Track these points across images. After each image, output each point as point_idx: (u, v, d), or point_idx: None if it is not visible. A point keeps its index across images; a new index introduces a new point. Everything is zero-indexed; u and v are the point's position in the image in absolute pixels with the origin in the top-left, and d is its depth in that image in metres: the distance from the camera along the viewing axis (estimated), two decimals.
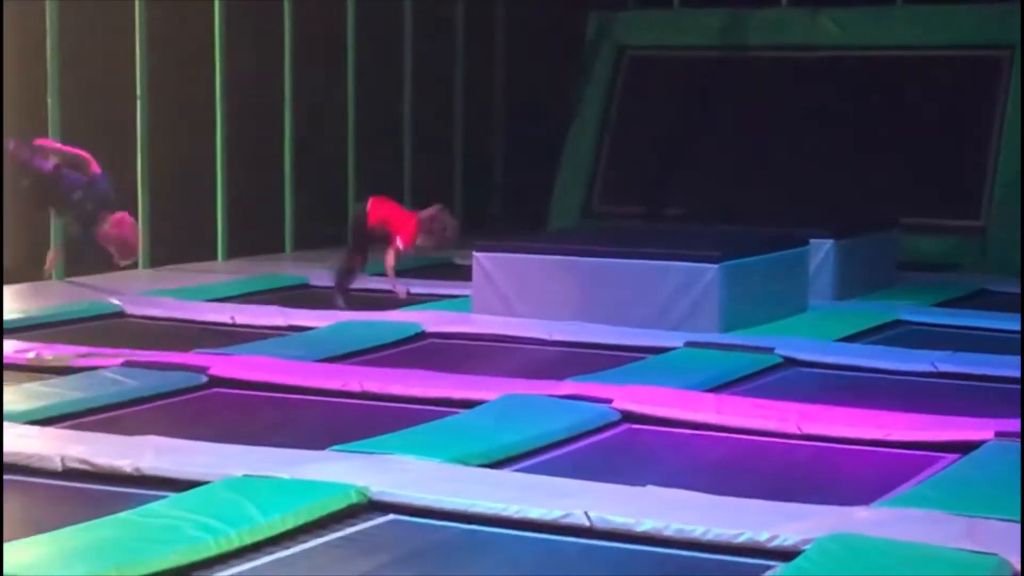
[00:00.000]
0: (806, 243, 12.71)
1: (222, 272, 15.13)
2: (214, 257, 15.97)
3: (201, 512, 6.26)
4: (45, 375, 9.57)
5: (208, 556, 5.89)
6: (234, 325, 11.71)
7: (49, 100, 14.25)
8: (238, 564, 5.91)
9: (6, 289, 13.35)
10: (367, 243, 12.74)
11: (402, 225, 12.51)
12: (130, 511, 6.38)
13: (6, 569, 5.51)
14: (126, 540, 5.94)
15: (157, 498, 6.65)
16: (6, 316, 11.68)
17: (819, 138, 17.39)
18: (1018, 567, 5.56)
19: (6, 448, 7.48)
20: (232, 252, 16.17)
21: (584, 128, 18.24)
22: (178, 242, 15.51)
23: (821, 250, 12.98)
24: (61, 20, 14.12)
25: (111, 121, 14.93)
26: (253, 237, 16.50)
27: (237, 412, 8.88)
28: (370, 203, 12.72)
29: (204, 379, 9.38)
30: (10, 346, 10.41)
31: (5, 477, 7.27)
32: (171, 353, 9.99)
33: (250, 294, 13.33)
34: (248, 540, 6.08)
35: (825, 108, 17.62)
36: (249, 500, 6.43)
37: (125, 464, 7.17)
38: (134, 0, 14.86)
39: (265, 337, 11.09)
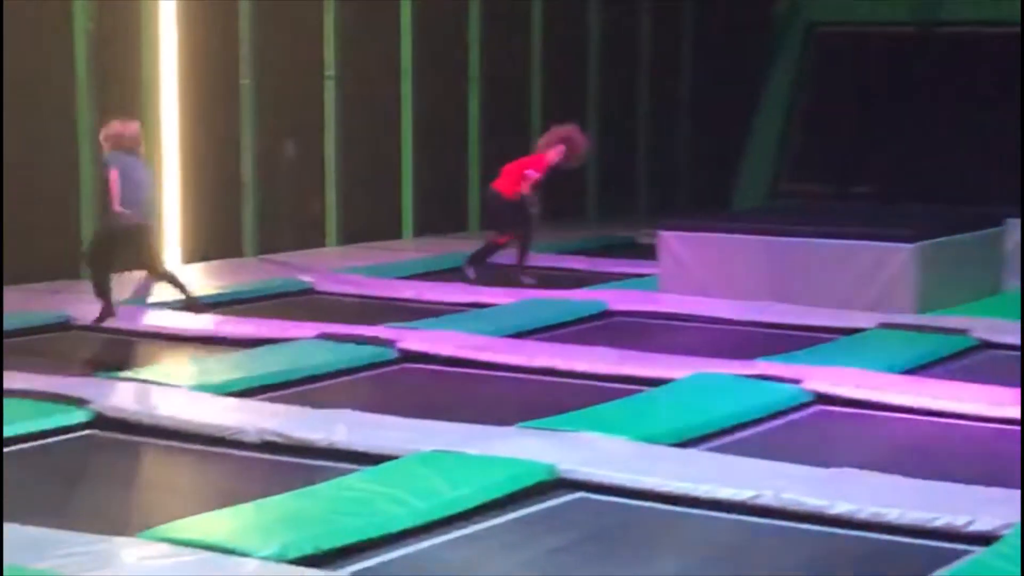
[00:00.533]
0: (1001, 223, 12.43)
1: (409, 250, 15.34)
2: (401, 235, 16.18)
3: (393, 486, 6.37)
4: (241, 347, 9.85)
5: (400, 529, 6.00)
6: (421, 301, 11.87)
7: (244, 81, 14.60)
8: (428, 538, 6.01)
9: (204, 265, 13.75)
10: (512, 218, 12.82)
11: (531, 163, 12.78)
12: (324, 483, 6.54)
13: (207, 538, 5.70)
14: (321, 512, 6.07)
15: (349, 471, 6.81)
16: (205, 291, 12.04)
17: (1014, 116, 16.96)
18: None
19: (205, 419, 7.75)
20: (419, 230, 16.37)
21: (771, 106, 18.04)
22: (367, 220, 15.75)
23: (1017, 230, 12.68)
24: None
25: (304, 101, 15.24)
26: (439, 216, 16.69)
27: (426, 386, 9.03)
28: (495, 183, 12.95)
29: (394, 353, 9.54)
30: (207, 320, 10.75)
31: (205, 448, 7.54)
32: (362, 327, 10.18)
33: (436, 272, 13.50)
34: (438, 514, 6.17)
35: (1020, 84, 17.19)
36: (439, 475, 6.53)
37: (319, 438, 7.34)
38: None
39: (451, 312, 11.23)
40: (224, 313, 11.06)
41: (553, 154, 12.72)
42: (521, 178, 12.64)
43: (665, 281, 11.94)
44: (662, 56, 19.58)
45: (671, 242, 12.00)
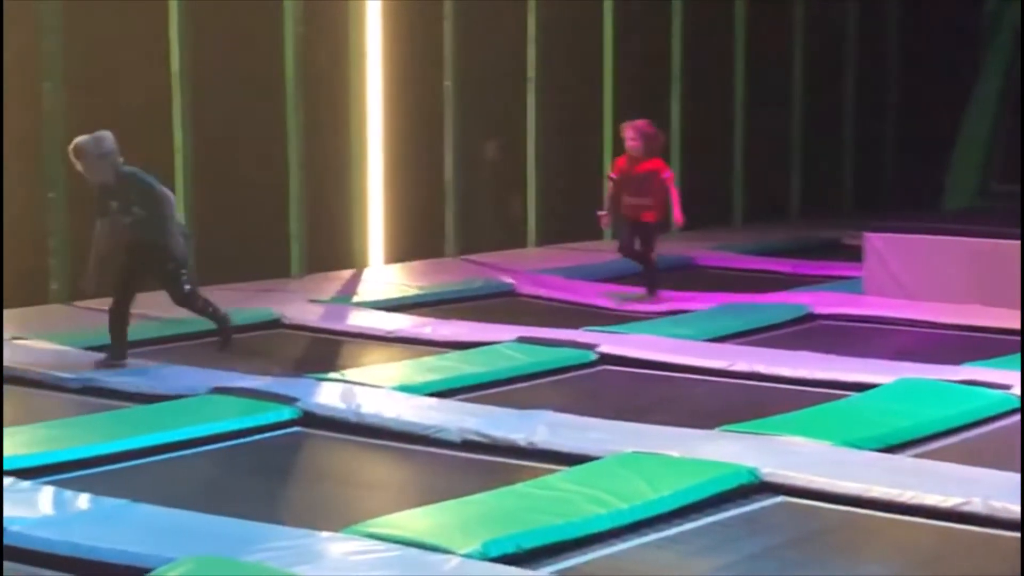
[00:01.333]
0: None
1: (609, 252, 15.33)
2: (600, 236, 16.21)
3: (593, 486, 6.40)
4: (442, 349, 9.99)
5: (600, 530, 6.03)
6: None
7: (447, 83, 14.81)
8: (628, 539, 6.03)
9: (405, 265, 13.97)
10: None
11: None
12: (524, 483, 6.61)
13: (410, 534, 5.81)
14: (522, 511, 6.13)
15: (549, 471, 6.86)
16: (406, 292, 12.29)
17: None
18: None
19: (408, 418, 7.88)
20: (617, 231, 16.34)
21: (982, 103, 17.61)
22: (566, 222, 15.82)
23: None
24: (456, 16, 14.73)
25: (505, 103, 15.39)
26: None
27: (626, 389, 9.05)
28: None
29: (594, 356, 9.58)
30: (408, 321, 10.92)
31: (407, 447, 7.67)
32: (562, 330, 10.24)
33: (635, 274, 13.48)
34: (639, 516, 6.19)
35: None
36: (640, 476, 6.55)
37: (519, 437, 7.42)
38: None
39: (652, 317, 11.22)
40: (426, 314, 11.24)
41: (637, 147, 11.85)
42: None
43: (870, 284, 11.79)
44: (869, 53, 19.30)
45: (877, 244, 11.85)
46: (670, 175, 11.86)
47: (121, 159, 8.99)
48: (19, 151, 11.58)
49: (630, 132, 11.79)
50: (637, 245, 11.91)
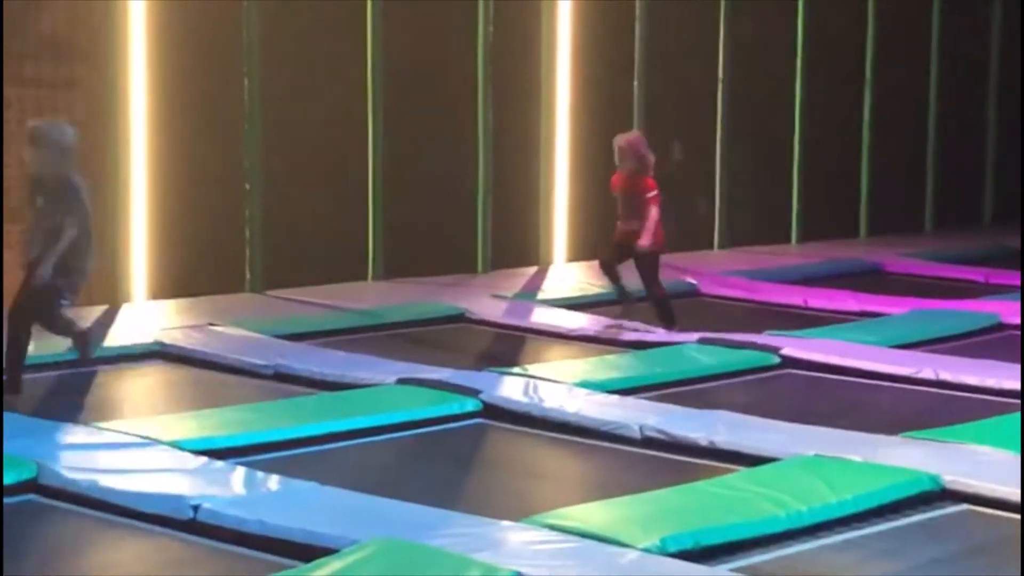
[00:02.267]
0: None
1: (795, 255, 15.26)
2: (788, 240, 16.10)
3: (773, 487, 6.42)
4: (624, 348, 10.06)
5: (779, 530, 6.05)
6: (806, 308, 11.83)
7: (636, 83, 14.88)
8: (808, 541, 6.04)
9: (589, 264, 13.98)
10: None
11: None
12: (704, 481, 6.67)
13: (588, 527, 5.88)
14: (700, 508, 6.18)
15: (728, 471, 6.90)
16: (588, 291, 12.34)
17: None
18: None
19: (588, 414, 7.95)
20: (806, 236, 16.26)
21: None
22: (753, 224, 15.76)
23: None
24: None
25: (694, 104, 15.41)
26: (826, 220, 16.52)
27: (808, 393, 9.03)
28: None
29: (777, 359, 9.56)
30: (589, 320, 11.02)
31: (586, 441, 7.75)
32: (744, 333, 10.25)
33: (821, 278, 13.41)
34: (818, 518, 6.19)
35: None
36: (820, 479, 6.55)
37: (699, 436, 7.46)
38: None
39: (837, 321, 11.15)
40: (608, 314, 11.31)
41: (626, 161, 10.70)
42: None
43: None
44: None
45: None
46: (654, 196, 10.45)
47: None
48: (219, 145, 11.94)
49: (622, 144, 10.65)
50: (626, 266, 10.65)
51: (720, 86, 15.36)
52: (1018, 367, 9.11)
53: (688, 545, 5.78)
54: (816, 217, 16.34)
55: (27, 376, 8.33)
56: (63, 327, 8.04)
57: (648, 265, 10.52)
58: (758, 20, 15.67)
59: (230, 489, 6.45)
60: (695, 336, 10.08)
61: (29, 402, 8.16)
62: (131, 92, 11.41)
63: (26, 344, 7.99)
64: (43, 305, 7.76)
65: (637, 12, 14.62)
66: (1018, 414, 8.02)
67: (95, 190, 8.74)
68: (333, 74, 12.60)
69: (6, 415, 7.47)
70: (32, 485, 6.72)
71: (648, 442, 7.57)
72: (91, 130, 10.95)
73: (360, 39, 12.67)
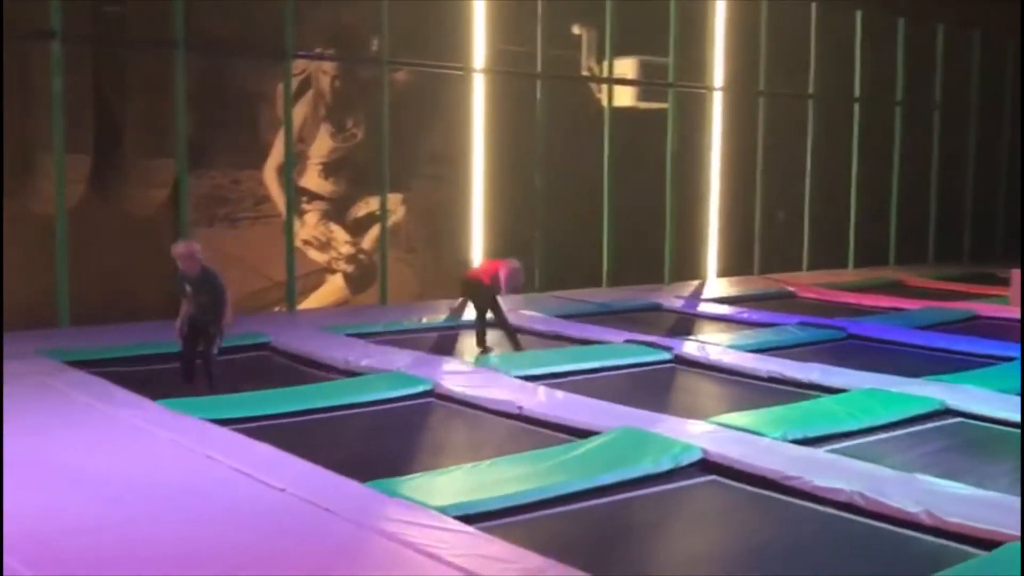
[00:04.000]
0: None
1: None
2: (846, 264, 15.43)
3: (848, 406, 6.32)
4: (754, 327, 9.72)
5: (851, 430, 5.99)
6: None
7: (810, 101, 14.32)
8: (866, 436, 5.95)
9: (737, 279, 13.58)
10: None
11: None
12: (807, 400, 6.58)
13: (741, 424, 5.87)
14: (806, 417, 6.13)
15: (817, 395, 6.77)
16: (727, 294, 11.97)
17: None
18: None
19: (739, 363, 7.79)
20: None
21: None
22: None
23: None
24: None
25: (873, 122, 14.63)
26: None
27: (872, 355, 8.45)
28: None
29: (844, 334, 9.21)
30: (732, 309, 10.69)
31: (731, 378, 7.56)
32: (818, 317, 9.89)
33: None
34: (874, 423, 6.08)
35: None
36: (875, 402, 6.39)
37: (802, 377, 7.33)
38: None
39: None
40: (748, 305, 10.97)
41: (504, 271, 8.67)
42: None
43: None
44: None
45: None
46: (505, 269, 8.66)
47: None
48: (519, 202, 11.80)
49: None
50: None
51: (898, 109, 14.19)
52: None
53: (799, 436, 5.86)
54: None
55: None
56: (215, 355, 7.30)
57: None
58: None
59: (537, 398, 6.65)
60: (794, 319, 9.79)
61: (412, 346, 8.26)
62: (472, 183, 11.56)
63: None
64: (214, 342, 7.22)
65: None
66: (1004, 364, 7.75)
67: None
68: (585, 154, 12.47)
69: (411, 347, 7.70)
70: (430, 393, 6.90)
71: (771, 379, 7.55)
72: (455, 205, 11.17)
73: (599, 139, 12.47)
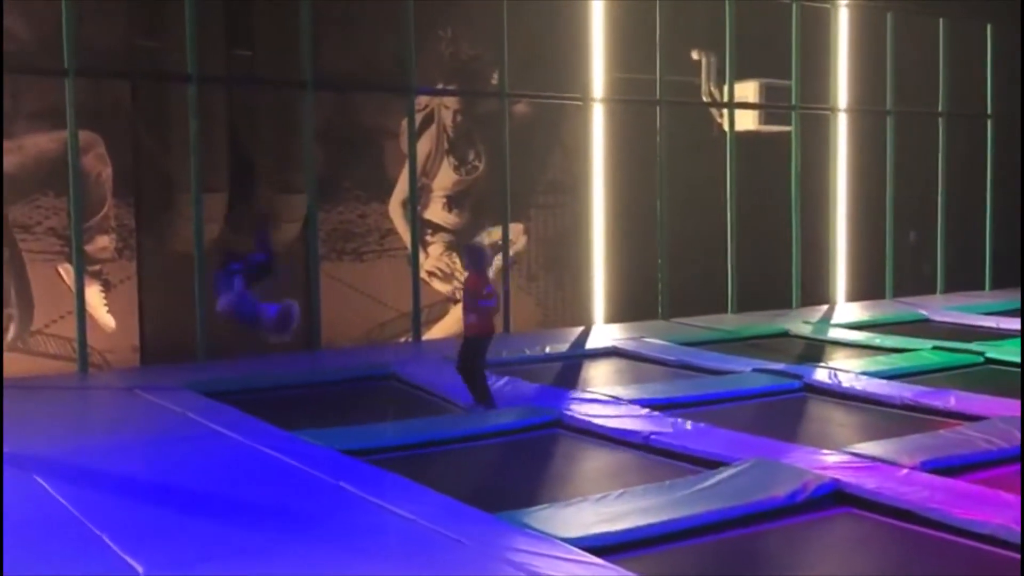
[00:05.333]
0: None
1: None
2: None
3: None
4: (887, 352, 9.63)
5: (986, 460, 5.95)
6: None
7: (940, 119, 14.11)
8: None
9: (860, 304, 13.32)
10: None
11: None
12: (938, 431, 6.46)
13: (871, 453, 5.82)
14: (933, 445, 6.06)
15: (949, 424, 6.68)
16: (858, 319, 11.68)
17: None
18: None
19: (869, 389, 7.70)
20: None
21: None
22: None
23: None
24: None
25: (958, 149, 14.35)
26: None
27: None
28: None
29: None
30: (860, 335, 10.51)
31: (857, 405, 7.47)
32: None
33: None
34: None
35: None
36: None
37: (937, 404, 7.24)
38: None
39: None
40: (878, 331, 10.85)
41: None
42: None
43: None
44: None
45: None
46: (487, 294, 7.46)
47: None
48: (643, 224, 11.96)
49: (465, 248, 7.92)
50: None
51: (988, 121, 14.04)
52: None
53: (938, 466, 5.78)
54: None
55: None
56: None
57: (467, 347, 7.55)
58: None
59: (667, 427, 6.67)
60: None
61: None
62: (592, 210, 11.66)
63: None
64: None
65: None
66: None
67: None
68: (708, 179, 12.53)
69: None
70: (557, 423, 6.98)
71: (905, 407, 7.45)
72: (577, 233, 11.20)
73: (721, 164, 12.48)
